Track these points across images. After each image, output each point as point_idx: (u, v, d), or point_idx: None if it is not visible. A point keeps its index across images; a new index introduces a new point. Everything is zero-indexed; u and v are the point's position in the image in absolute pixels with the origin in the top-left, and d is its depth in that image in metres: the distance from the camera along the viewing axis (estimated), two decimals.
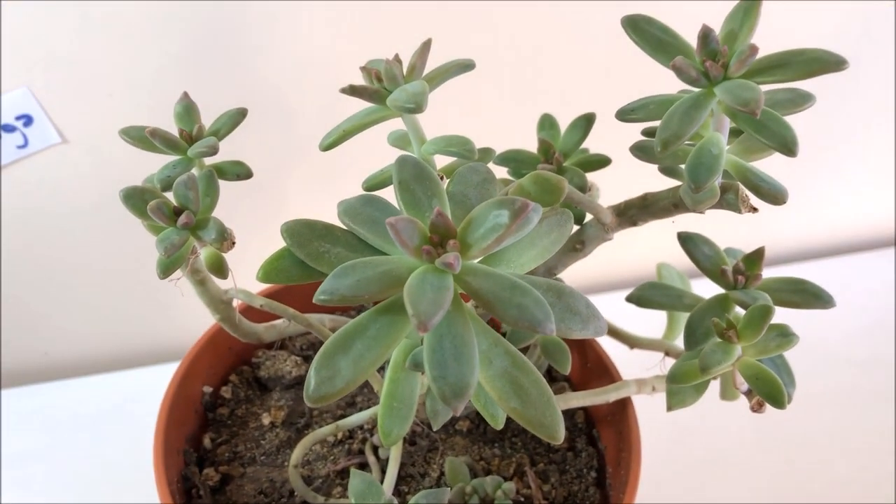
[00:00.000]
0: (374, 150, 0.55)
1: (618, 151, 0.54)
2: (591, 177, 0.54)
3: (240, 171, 0.46)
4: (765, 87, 0.39)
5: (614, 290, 0.95)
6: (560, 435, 0.37)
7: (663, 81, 0.48)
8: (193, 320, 0.69)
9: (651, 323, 0.66)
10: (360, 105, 0.47)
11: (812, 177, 1.00)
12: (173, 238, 0.42)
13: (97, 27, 0.72)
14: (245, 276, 0.50)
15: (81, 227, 0.85)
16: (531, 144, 0.55)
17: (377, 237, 0.39)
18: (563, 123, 0.55)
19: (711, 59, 0.39)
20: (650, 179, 0.53)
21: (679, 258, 0.70)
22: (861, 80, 0.92)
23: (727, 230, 0.66)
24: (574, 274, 0.58)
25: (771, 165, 0.45)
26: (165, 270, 0.43)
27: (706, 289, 0.56)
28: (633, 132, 0.48)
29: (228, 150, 0.49)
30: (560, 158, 0.52)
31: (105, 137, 0.79)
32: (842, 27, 0.85)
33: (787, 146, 0.38)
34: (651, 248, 0.81)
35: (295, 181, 0.86)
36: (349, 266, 0.36)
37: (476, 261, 0.39)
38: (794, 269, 1.01)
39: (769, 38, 0.42)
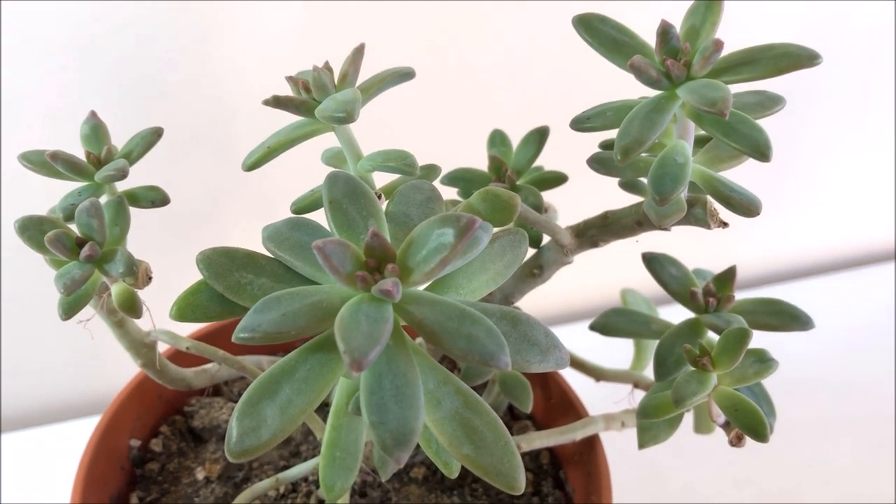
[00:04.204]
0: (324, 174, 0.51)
1: (578, 168, 0.50)
2: (549, 197, 0.50)
3: (155, 198, 0.41)
4: (731, 89, 0.35)
5: (577, 321, 0.92)
6: (520, 484, 0.32)
7: (625, 90, 0.44)
8: (121, 367, 0.63)
9: (618, 353, 0.62)
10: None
11: (778, 192, 0.97)
12: (74, 273, 0.36)
13: (16, 53, 0.67)
14: None
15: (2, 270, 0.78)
16: (484, 164, 0.51)
17: (307, 265, 0.35)
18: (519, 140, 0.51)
19: (672, 58, 0.36)
20: (612, 198, 0.49)
21: (646, 284, 0.66)
22: (830, 84, 0.90)
23: (695, 255, 0.63)
24: (533, 304, 0.54)
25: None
26: (68, 310, 0.38)
27: (676, 316, 0.52)
28: (594, 146, 0.44)
29: (160, 180, 0.45)
30: (513, 176, 0.48)
31: (24, 171, 0.73)
32: (808, 26, 0.83)
33: (760, 150, 0.35)
34: (616, 274, 0.77)
35: (236, 211, 0.81)
36: (273, 298, 0.32)
37: (421, 287, 0.34)
38: (761, 292, 0.99)
39: (728, 46, 0.39)
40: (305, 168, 0.49)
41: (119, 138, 0.45)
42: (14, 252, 0.77)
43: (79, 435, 0.63)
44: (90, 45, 0.68)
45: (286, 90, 0.42)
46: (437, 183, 0.44)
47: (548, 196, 0.50)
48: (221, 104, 0.74)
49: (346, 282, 0.31)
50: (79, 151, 0.62)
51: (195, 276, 0.50)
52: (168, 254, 0.62)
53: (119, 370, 0.80)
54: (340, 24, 0.72)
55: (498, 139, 0.50)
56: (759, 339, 0.43)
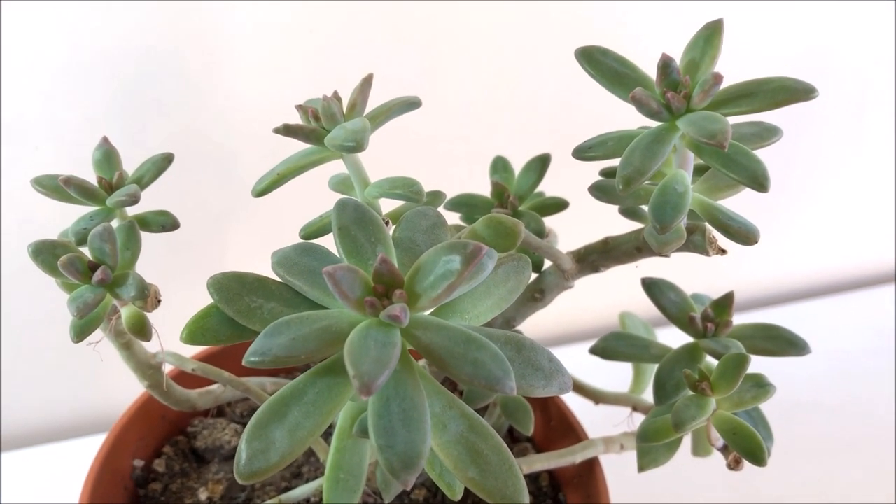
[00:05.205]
0: (326, 200, 0.52)
1: (577, 194, 0.51)
2: (549, 222, 0.51)
3: (165, 222, 0.42)
4: (730, 120, 0.36)
5: (576, 342, 0.92)
6: None
7: (624, 118, 0.45)
8: (122, 387, 0.64)
9: (616, 376, 0.63)
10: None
11: (776, 217, 0.98)
12: (87, 297, 0.37)
13: (21, 75, 0.68)
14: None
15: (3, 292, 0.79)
16: (486, 189, 0.52)
17: (316, 290, 0.35)
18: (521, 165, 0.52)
19: (673, 90, 0.37)
20: (612, 223, 0.50)
21: (643, 307, 0.67)
22: (826, 110, 0.91)
23: (692, 277, 0.63)
24: (533, 325, 0.55)
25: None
26: (80, 333, 0.38)
27: (673, 339, 0.53)
28: (593, 173, 0.45)
29: (164, 202, 0.45)
30: (515, 202, 0.48)
31: (32, 193, 0.74)
32: (800, 58, 0.85)
33: (759, 181, 0.36)
34: (614, 296, 0.78)
35: (238, 234, 0.82)
36: (283, 323, 0.33)
37: (427, 312, 0.35)
38: (759, 315, 0.99)
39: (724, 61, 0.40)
40: (310, 192, 0.50)
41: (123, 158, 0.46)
42: (15, 270, 0.77)
43: (80, 454, 0.64)
44: (94, 67, 0.69)
45: (290, 112, 0.43)
46: (440, 208, 0.45)
47: (549, 221, 0.51)
48: (224, 127, 0.75)
49: (355, 307, 0.32)
50: (77, 164, 0.63)
51: (200, 297, 0.51)
52: (169, 274, 0.63)
53: (121, 388, 0.80)
54: (343, 49, 0.73)
55: (500, 165, 0.51)
56: (757, 360, 0.44)
